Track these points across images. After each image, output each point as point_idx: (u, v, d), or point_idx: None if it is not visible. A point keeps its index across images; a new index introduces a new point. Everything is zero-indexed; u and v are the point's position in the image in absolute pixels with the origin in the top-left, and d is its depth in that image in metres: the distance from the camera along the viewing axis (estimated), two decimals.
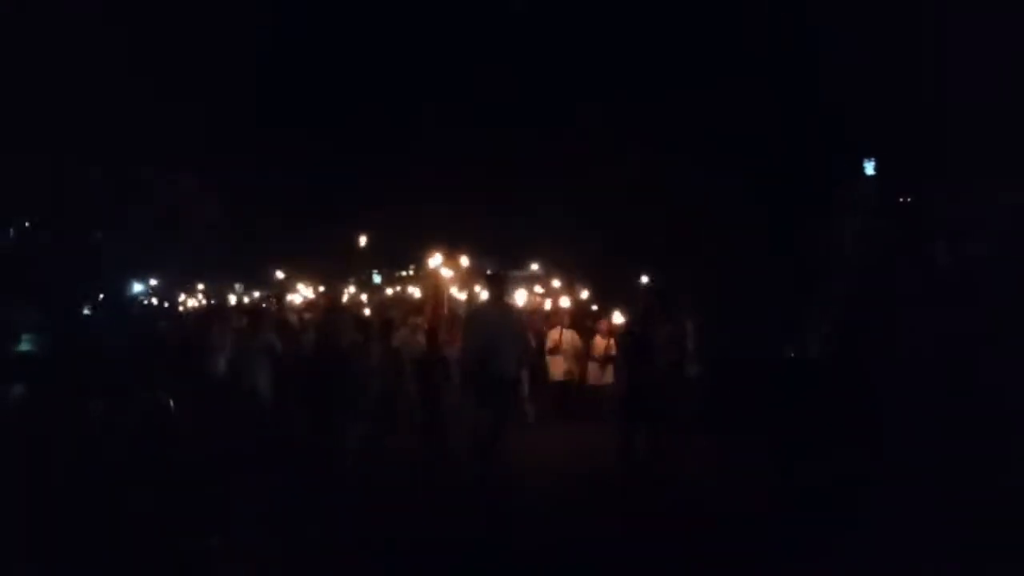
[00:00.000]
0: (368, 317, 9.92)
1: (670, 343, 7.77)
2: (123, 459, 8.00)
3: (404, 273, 34.56)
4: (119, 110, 21.19)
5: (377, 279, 33.17)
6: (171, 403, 10.17)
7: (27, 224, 23.03)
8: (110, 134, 21.51)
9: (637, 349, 7.73)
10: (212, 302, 22.63)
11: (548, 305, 13.63)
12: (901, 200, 18.08)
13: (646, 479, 7.44)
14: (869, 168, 17.95)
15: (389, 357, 9.03)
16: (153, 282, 29.66)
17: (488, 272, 10.30)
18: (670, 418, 7.54)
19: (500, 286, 7.68)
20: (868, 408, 7.77)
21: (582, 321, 12.86)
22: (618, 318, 11.50)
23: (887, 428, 7.43)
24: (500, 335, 7.12)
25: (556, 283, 14.41)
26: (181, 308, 26.00)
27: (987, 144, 12.34)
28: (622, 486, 7.43)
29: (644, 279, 13.81)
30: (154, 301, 28.50)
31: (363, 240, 31.06)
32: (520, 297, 13.10)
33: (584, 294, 14.67)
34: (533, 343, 10.42)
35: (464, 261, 13.68)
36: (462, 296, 13.46)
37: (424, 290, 14.16)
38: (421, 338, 9.72)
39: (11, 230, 23.14)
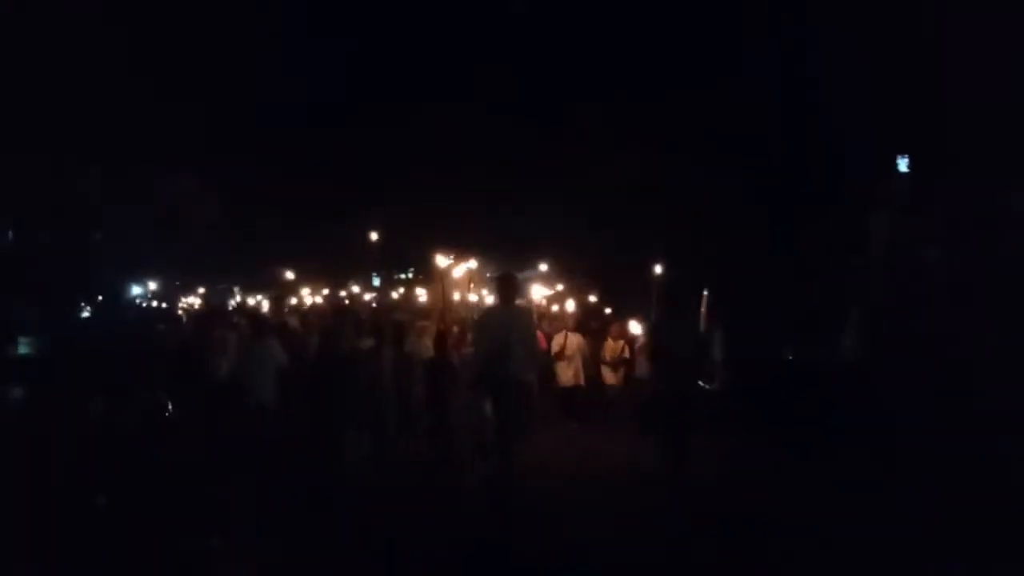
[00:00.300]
0: (379, 321, 9.73)
1: (695, 351, 7.59)
2: (120, 459, 7.97)
3: (403, 275, 34.40)
4: (118, 111, 21.19)
5: (376, 282, 32.97)
6: (168, 404, 10.21)
7: (26, 225, 22.99)
8: (109, 135, 21.49)
9: (662, 358, 7.55)
10: (212, 304, 22.52)
11: (555, 308, 13.42)
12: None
13: (662, 484, 7.31)
14: (903, 165, 17.06)
15: (401, 362, 8.94)
16: (153, 286, 29.65)
17: (494, 274, 10.08)
18: (693, 427, 7.39)
19: (509, 287, 7.38)
20: (908, 413, 7.54)
21: (587, 323, 12.68)
22: (634, 327, 11.45)
23: (929, 433, 7.24)
24: (510, 338, 6.83)
25: (560, 287, 14.16)
26: (181, 310, 25.89)
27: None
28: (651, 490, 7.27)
29: (658, 281, 13.33)
30: (153, 303, 28.43)
31: (363, 242, 30.92)
32: (536, 293, 12.85)
33: (592, 297, 14.45)
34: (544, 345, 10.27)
35: (471, 263, 13.55)
36: (473, 298, 13.33)
37: (431, 293, 14.03)
38: (428, 341, 9.63)
39: (9, 232, 23.10)
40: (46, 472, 7.44)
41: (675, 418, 7.28)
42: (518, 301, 7.68)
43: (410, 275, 33.89)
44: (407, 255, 31.60)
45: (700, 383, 7.78)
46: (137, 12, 21.43)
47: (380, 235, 29.32)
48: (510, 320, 7.01)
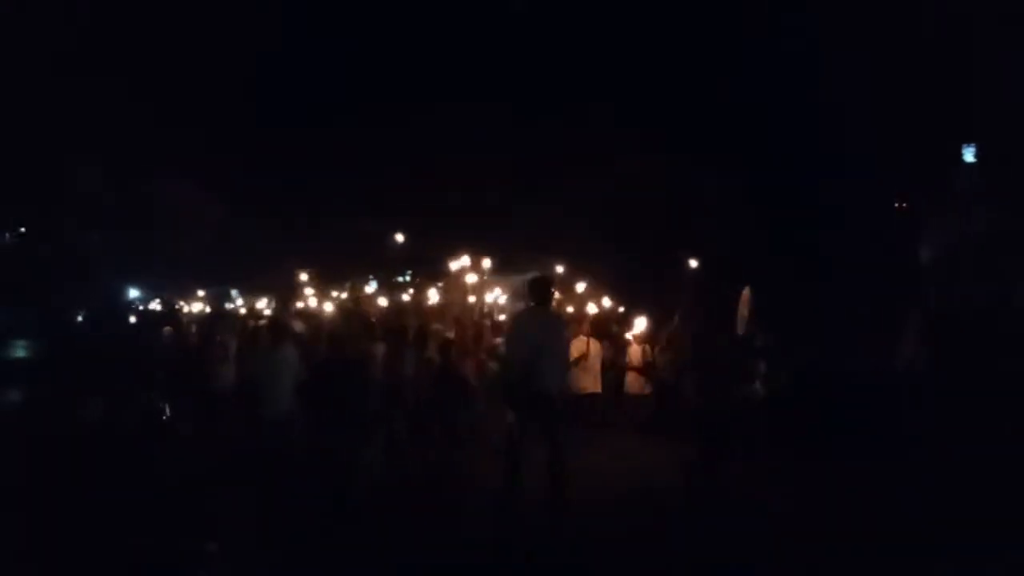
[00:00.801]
0: (398, 324, 9.34)
1: (737, 358, 7.13)
2: (117, 459, 7.97)
3: (401, 278, 33.88)
4: (120, 113, 20.93)
5: (373, 285, 32.43)
6: (166, 408, 10.01)
7: (24, 229, 22.76)
8: (110, 137, 21.24)
9: (701, 368, 7.12)
10: (214, 308, 22.15)
11: (569, 310, 12.94)
12: (898, 205, 17.29)
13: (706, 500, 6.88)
14: (968, 155, 15.33)
15: (422, 368, 8.55)
16: (155, 303, 29.30)
17: (513, 276, 9.55)
18: (739, 437, 6.95)
19: (543, 291, 6.79)
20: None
21: (606, 328, 12.20)
22: (640, 324, 11.03)
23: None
24: (543, 346, 6.32)
25: (582, 286, 13.54)
26: (180, 313, 25.48)
27: None
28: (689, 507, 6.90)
29: (690, 282, 12.53)
30: (151, 306, 28.07)
31: (364, 244, 30.46)
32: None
33: (606, 299, 13.89)
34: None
35: (487, 263, 13.10)
36: (489, 298, 12.86)
37: (444, 295, 13.59)
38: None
39: (7, 234, 22.87)
40: (43, 472, 7.34)
41: (715, 430, 6.87)
42: (531, 304, 7.05)
43: (408, 277, 33.37)
44: (406, 257, 31.11)
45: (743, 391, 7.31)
46: (137, 15, 21.18)
47: (377, 237, 28.87)
48: (544, 327, 6.50)
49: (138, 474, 7.52)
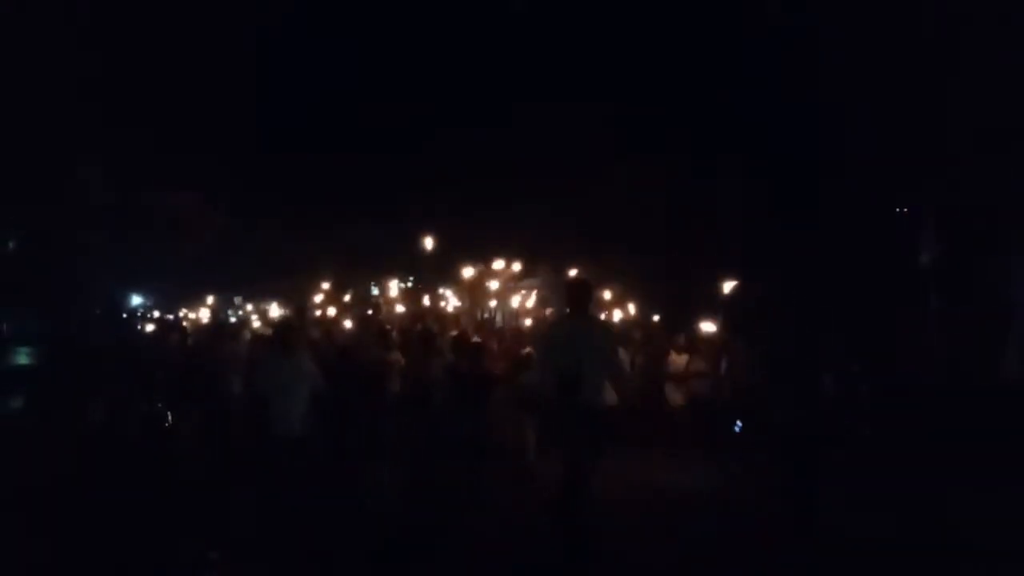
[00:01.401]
0: (427, 332, 8.92)
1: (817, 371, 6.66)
2: (119, 463, 7.94)
3: (403, 285, 33.52)
4: (124, 115, 20.68)
5: (375, 290, 32.05)
6: (168, 415, 9.84)
7: (26, 233, 22.49)
8: (114, 139, 20.99)
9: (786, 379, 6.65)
10: (221, 316, 21.81)
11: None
12: (898, 210, 16.75)
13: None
14: None
15: (452, 376, 8.06)
16: (157, 307, 29.02)
17: (570, 279, 8.94)
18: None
19: (581, 295, 6.10)
20: None
21: (629, 335, 11.72)
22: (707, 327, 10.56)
23: None
24: (583, 356, 5.71)
25: (608, 293, 12.97)
26: (184, 320, 25.16)
27: None
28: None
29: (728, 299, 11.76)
30: (154, 313, 27.79)
31: (355, 248, 30.01)
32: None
33: (631, 306, 13.41)
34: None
35: (505, 268, 12.68)
36: (513, 303, 12.47)
37: (463, 301, 13.18)
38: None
39: (10, 242, 22.63)
40: (44, 476, 7.37)
41: (806, 451, 6.36)
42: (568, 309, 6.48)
43: (409, 283, 33.03)
44: (407, 262, 30.79)
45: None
46: (140, 18, 20.95)
47: (379, 242, 28.40)
48: (583, 335, 5.86)
49: (139, 478, 7.44)
